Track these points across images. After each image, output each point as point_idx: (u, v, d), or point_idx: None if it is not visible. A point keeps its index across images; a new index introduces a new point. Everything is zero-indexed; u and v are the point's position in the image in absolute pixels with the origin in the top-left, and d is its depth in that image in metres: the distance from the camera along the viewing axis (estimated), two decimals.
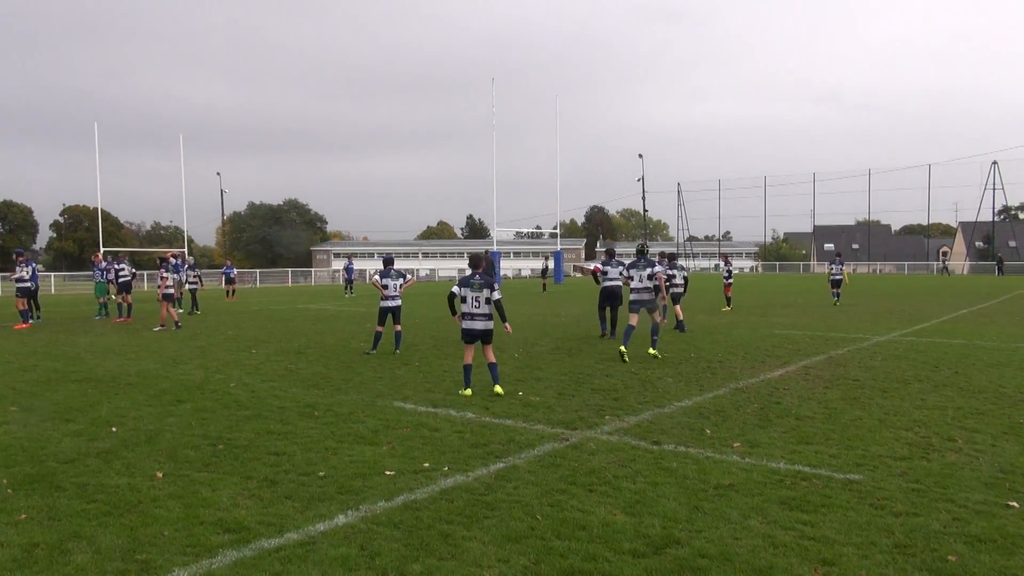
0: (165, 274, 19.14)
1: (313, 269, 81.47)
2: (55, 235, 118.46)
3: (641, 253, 13.18)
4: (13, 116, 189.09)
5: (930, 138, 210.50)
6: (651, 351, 12.25)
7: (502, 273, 47.89)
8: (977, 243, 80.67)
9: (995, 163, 75.74)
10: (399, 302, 13.45)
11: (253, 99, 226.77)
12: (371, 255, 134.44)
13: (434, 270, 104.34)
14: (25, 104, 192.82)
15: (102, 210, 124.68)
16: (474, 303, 9.22)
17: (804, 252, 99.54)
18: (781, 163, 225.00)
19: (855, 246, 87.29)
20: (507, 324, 9.42)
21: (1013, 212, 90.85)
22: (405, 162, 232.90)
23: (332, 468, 6.11)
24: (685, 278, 18.19)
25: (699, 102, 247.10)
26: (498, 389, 9.15)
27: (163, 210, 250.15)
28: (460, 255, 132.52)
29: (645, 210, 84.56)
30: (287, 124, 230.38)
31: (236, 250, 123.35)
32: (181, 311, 23.79)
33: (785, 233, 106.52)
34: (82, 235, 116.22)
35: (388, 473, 5.96)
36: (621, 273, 14.34)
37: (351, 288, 35.51)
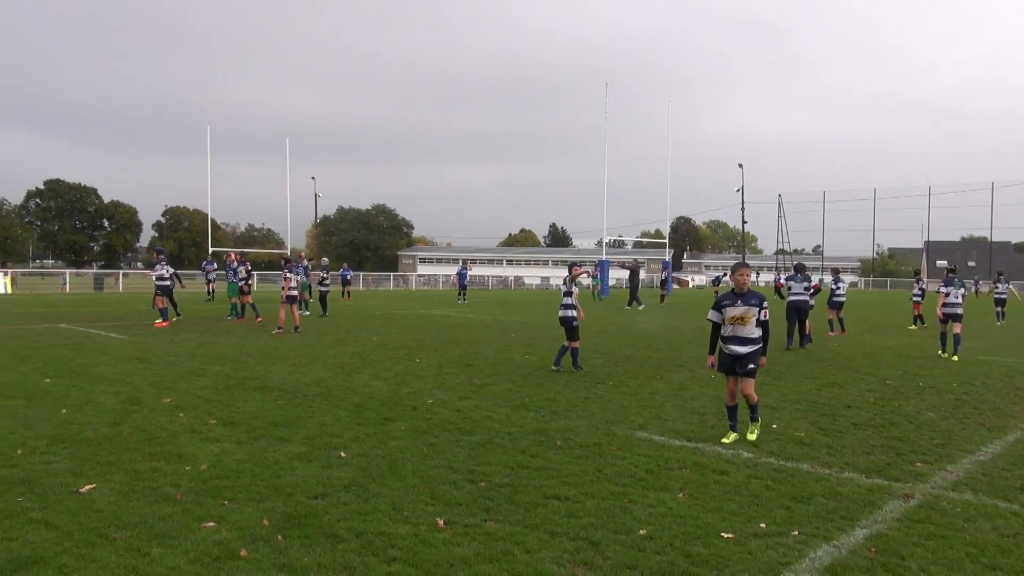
0: (289, 275, 18.40)
1: (412, 274, 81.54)
2: (157, 235, 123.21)
3: (953, 272, 15.31)
4: (118, 122, 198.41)
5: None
6: (954, 358, 14.23)
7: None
8: None
9: None
10: (571, 312, 12.09)
11: (342, 107, 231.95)
12: (455, 261, 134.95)
13: (520, 277, 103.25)
14: (127, 111, 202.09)
15: (201, 211, 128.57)
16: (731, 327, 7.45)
17: (909, 268, 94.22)
18: (860, 177, 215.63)
19: (971, 263, 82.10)
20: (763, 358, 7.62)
21: None
22: (487, 169, 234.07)
23: (647, 524, 4.90)
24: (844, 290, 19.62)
25: (782, 114, 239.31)
26: (752, 435, 7.44)
27: (255, 212, 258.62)
28: (544, 263, 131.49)
29: (744, 221, 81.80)
30: (375, 131, 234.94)
31: (325, 253, 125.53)
32: (307, 313, 23.29)
33: (889, 248, 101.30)
34: (182, 235, 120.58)
35: (726, 535, 4.72)
36: (939, 291, 15.74)
37: (464, 294, 34.69)
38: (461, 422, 7.93)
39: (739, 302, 7.42)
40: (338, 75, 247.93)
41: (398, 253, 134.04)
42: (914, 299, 22.10)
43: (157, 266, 20.28)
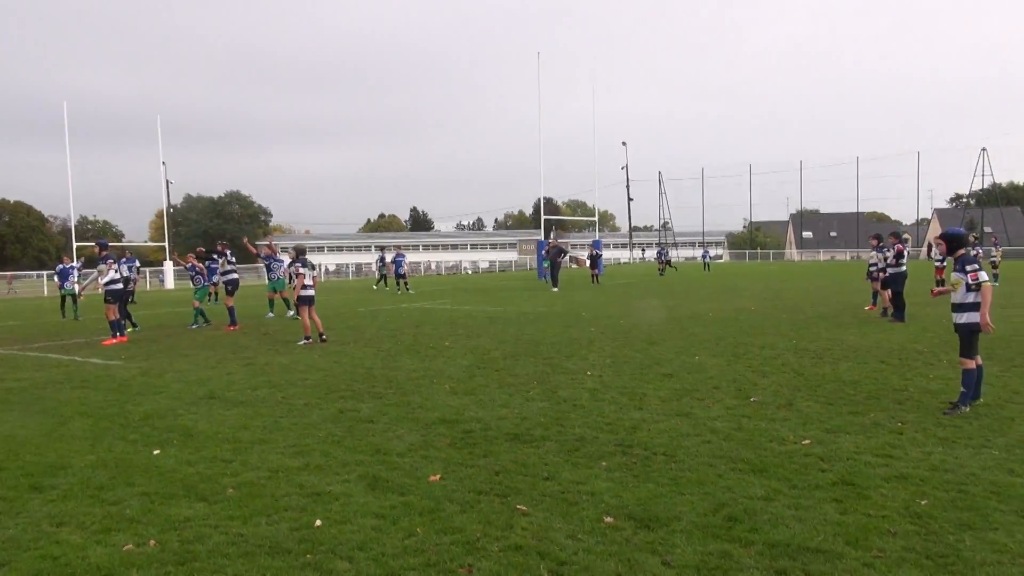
0: (302, 270, 14.75)
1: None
2: None
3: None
4: None
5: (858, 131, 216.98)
6: None
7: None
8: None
9: (984, 150, 77.43)
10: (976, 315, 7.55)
11: (182, 91, 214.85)
12: (319, 249, 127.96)
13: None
14: None
15: (24, 204, 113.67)
16: None
17: (775, 240, 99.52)
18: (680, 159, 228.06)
19: (832, 234, 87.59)
20: None
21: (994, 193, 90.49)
22: (343, 155, 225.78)
23: None
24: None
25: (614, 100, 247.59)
26: None
27: (87, 204, 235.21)
28: (415, 247, 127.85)
29: (630, 199, 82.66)
30: (220, 117, 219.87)
31: (175, 245, 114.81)
32: (292, 313, 19.53)
33: (752, 222, 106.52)
34: (2, 231, 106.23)
35: None
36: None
37: (406, 283, 31.42)
38: (879, 468, 5.67)
39: None
40: (173, 58, 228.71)
41: (257, 243, 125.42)
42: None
43: (102, 265, 15.79)
